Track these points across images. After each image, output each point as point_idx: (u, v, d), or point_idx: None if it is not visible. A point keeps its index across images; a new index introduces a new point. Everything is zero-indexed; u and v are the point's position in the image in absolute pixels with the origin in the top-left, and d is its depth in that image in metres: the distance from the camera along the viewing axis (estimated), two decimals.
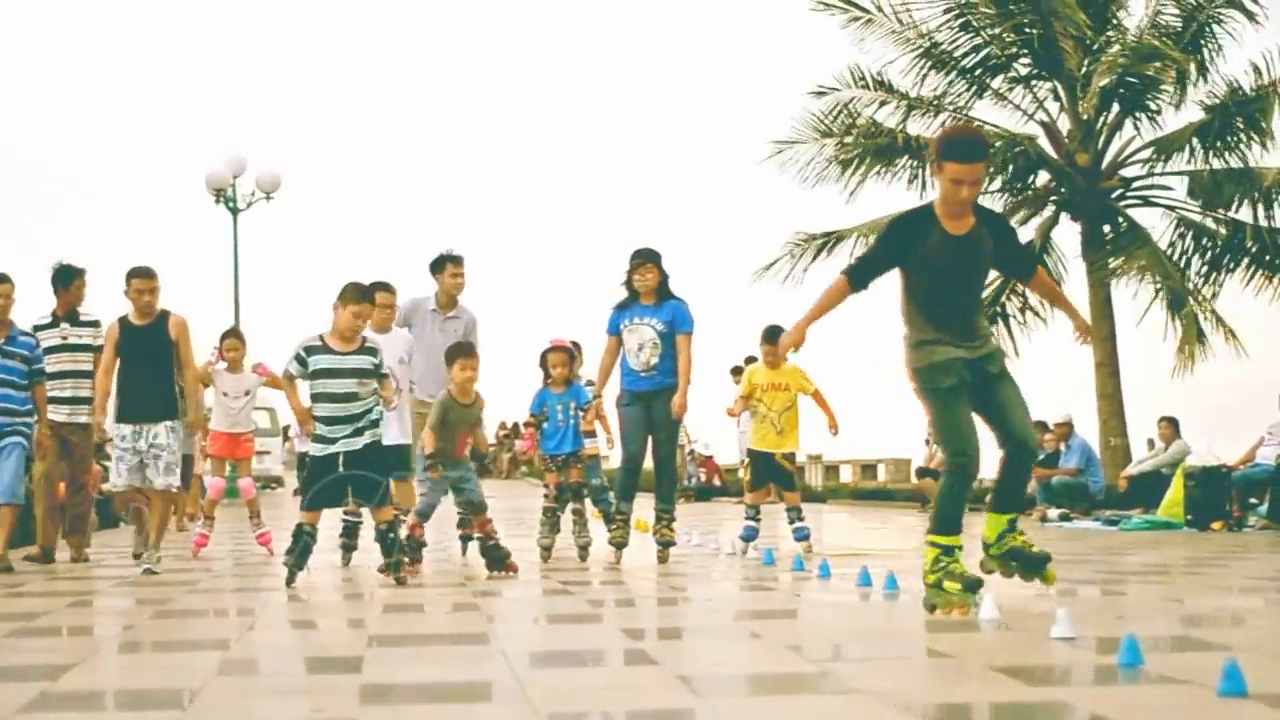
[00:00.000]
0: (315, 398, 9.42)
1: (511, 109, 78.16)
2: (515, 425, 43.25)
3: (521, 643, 6.48)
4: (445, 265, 11.74)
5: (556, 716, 4.64)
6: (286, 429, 48.73)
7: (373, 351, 9.51)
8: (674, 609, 7.87)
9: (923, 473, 22.95)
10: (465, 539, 11.81)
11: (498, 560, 10.07)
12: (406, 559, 9.67)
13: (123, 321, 11.09)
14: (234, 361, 12.85)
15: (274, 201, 30.65)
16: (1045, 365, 27.62)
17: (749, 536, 12.25)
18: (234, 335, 13.18)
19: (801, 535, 12.22)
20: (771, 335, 12.41)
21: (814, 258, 24.36)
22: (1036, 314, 24.48)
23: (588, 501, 11.66)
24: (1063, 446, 20.44)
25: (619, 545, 11.13)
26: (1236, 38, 22.47)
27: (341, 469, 9.32)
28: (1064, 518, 18.60)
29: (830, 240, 24.40)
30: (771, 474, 12.64)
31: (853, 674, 5.42)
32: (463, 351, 10.37)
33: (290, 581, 9.24)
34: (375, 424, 9.49)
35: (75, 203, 73.15)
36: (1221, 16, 22.60)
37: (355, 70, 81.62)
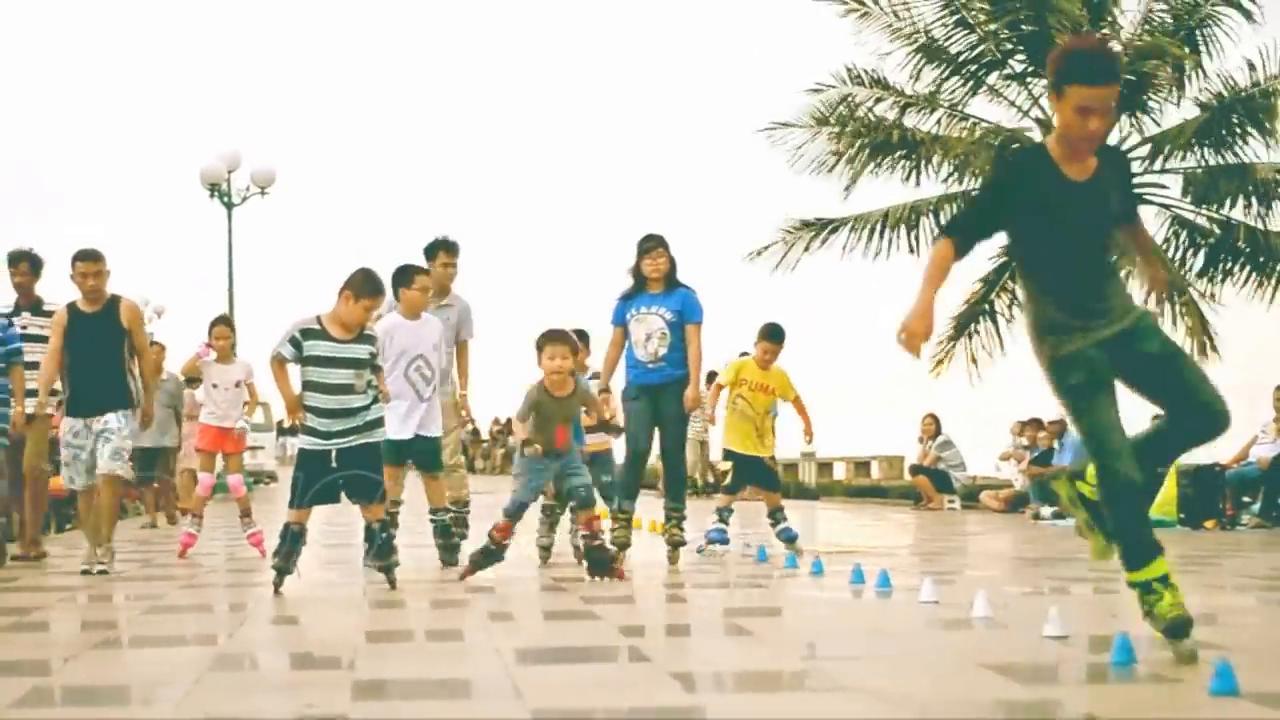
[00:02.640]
0: (308, 386, 8.69)
1: (507, 100, 78.15)
2: (509, 421, 43.13)
3: (514, 639, 6.48)
4: (437, 253, 11.09)
5: (547, 713, 4.64)
6: (281, 423, 48.75)
7: (370, 340, 8.78)
8: (666, 606, 7.87)
9: (916, 470, 22.96)
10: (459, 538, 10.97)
11: (601, 563, 9.17)
12: (473, 566, 9.15)
13: (71, 308, 10.35)
14: (223, 351, 12.18)
15: (268, 196, 30.59)
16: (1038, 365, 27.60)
17: (719, 539, 11.66)
18: (223, 323, 12.54)
19: (789, 536, 11.58)
20: (774, 334, 12.04)
21: (806, 246, 24.33)
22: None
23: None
24: (1056, 444, 20.46)
25: (621, 546, 10.24)
26: (1233, 36, 22.46)
27: (335, 465, 8.63)
28: (1057, 516, 18.59)
29: (823, 229, 24.35)
30: (757, 477, 12.12)
31: (845, 671, 5.42)
32: (553, 337, 9.27)
33: (278, 586, 8.53)
34: (376, 425, 8.82)
35: (70, 198, 73.08)
36: (1219, 15, 22.59)
37: (350, 65, 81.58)
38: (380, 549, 8.83)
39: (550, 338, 9.25)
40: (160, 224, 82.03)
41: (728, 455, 12.52)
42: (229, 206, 30.45)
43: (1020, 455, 22.16)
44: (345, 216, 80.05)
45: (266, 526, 11.92)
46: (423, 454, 10.37)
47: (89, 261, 10.25)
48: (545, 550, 10.71)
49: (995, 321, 24.46)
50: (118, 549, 10.74)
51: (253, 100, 76.34)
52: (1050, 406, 21.31)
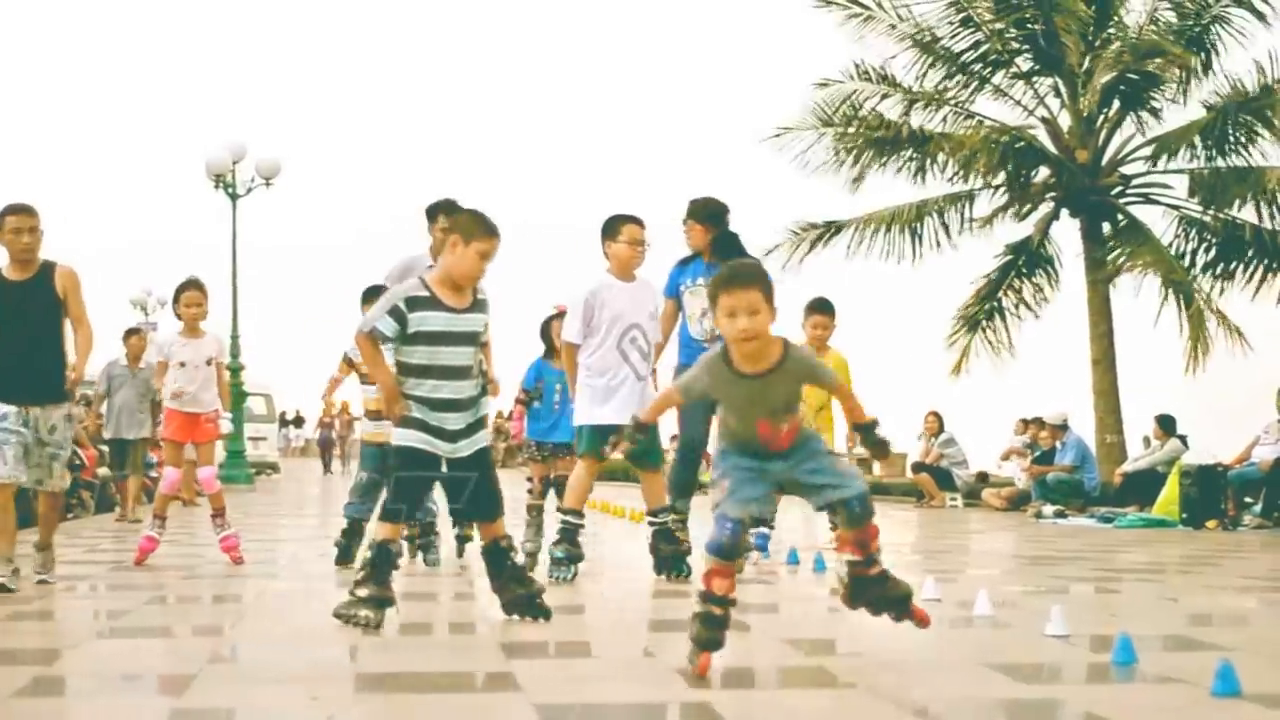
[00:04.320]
0: (412, 371, 6.66)
1: (512, 99, 78.09)
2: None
3: (515, 634, 6.48)
4: (436, 217, 9.56)
5: (548, 707, 4.65)
6: (284, 414, 48.68)
7: (484, 308, 6.87)
8: (666, 601, 7.85)
9: (918, 467, 22.96)
10: (461, 539, 10.22)
11: (892, 601, 5.74)
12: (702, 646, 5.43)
13: None
14: (193, 321, 10.23)
15: (273, 187, 30.57)
16: (1042, 362, 27.66)
17: (764, 545, 10.44)
18: (194, 287, 10.32)
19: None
20: (825, 305, 10.82)
21: (810, 247, 24.34)
22: (1029, 308, 24.49)
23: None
24: (1058, 443, 20.46)
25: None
26: (1242, 38, 22.42)
27: (450, 470, 6.77)
28: (1059, 514, 18.60)
29: (829, 231, 24.37)
30: None
31: (846, 669, 5.42)
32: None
33: (378, 623, 6.47)
34: (483, 422, 7.08)
35: (76, 188, 73.08)
36: (1229, 15, 22.56)
37: (354, 56, 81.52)
38: (515, 574, 6.89)
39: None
40: (165, 214, 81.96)
41: None
42: (234, 197, 30.42)
43: (1023, 454, 22.18)
44: (348, 208, 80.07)
45: (266, 527, 11.34)
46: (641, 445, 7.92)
47: (22, 215, 8.38)
48: (531, 558, 9.44)
49: (1004, 319, 24.47)
50: (111, 543, 10.56)
51: (258, 91, 76.38)
52: (1052, 405, 21.40)
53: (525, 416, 10.05)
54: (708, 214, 9.48)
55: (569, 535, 8.69)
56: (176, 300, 10.31)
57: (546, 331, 9.72)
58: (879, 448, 5.60)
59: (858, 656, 5.81)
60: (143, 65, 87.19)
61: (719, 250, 9.27)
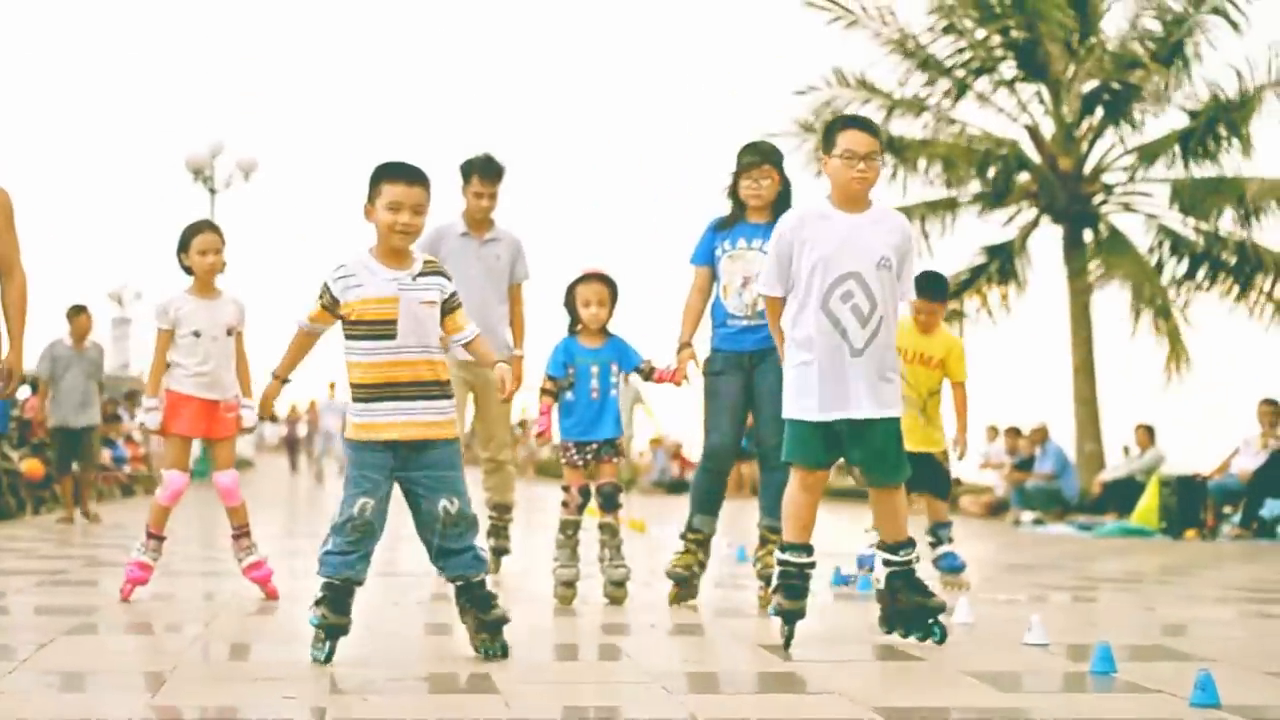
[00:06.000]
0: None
1: (498, 90, 78.09)
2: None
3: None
4: (470, 177, 8.87)
5: (527, 710, 4.62)
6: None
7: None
8: (648, 605, 7.82)
9: None
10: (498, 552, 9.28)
11: None
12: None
13: None
14: (209, 274, 7.72)
15: (251, 183, 30.56)
16: (1022, 369, 27.71)
17: (952, 566, 9.14)
18: (210, 229, 7.87)
19: (952, 565, 9.13)
20: (936, 285, 9.27)
21: None
22: (990, 314, 24.46)
23: (625, 512, 8.10)
24: (1037, 451, 20.51)
25: (677, 579, 7.75)
26: (1215, 45, 22.53)
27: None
28: (1037, 522, 18.63)
29: None
30: (923, 479, 8.72)
31: (824, 675, 5.40)
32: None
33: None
34: None
35: (52, 181, 72.87)
36: (1205, 24, 22.64)
37: (335, 50, 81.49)
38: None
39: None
40: (141, 208, 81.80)
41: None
42: (212, 192, 30.38)
43: (1001, 461, 22.22)
44: (325, 202, 79.98)
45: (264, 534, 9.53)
46: (874, 448, 6.14)
47: None
48: (567, 587, 7.75)
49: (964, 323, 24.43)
50: (29, 548, 10.10)
51: (236, 87, 76.24)
52: (1032, 413, 21.43)
53: (555, 411, 7.73)
54: (781, 159, 7.68)
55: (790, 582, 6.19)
56: (185, 248, 7.71)
57: (572, 299, 7.70)
58: None
59: (836, 662, 5.79)
60: (120, 58, 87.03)
61: (782, 206, 7.40)
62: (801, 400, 6.10)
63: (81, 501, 15.12)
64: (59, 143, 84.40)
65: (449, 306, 5.68)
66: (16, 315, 6.08)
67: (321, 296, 5.63)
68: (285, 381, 5.92)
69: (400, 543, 10.70)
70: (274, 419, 6.64)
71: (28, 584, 8.65)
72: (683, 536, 7.74)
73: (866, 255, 6.04)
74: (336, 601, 5.54)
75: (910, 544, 6.22)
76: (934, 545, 9.13)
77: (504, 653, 5.66)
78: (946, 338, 9.39)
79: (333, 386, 32.89)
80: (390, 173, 5.60)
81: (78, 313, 15.02)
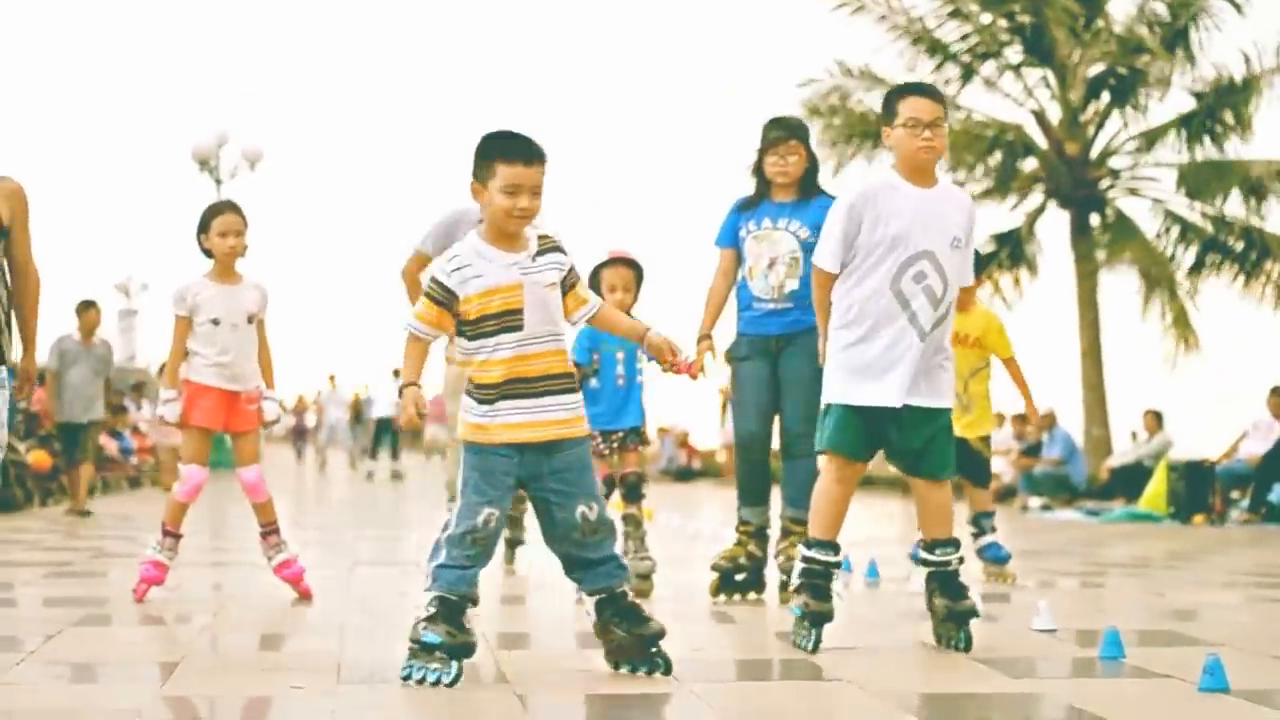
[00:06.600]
0: None
1: (499, 80, 78.03)
2: None
3: (499, 624, 6.45)
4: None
5: (531, 697, 4.62)
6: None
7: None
8: (654, 593, 7.80)
9: None
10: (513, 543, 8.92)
11: None
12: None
13: None
14: (229, 258, 7.29)
15: (257, 173, 30.57)
16: (1029, 355, 27.63)
17: (997, 556, 8.81)
18: (232, 210, 7.40)
19: (997, 555, 8.78)
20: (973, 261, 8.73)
21: None
22: (1005, 301, 24.44)
23: (646, 503, 7.71)
24: (1045, 436, 20.46)
25: (721, 571, 7.46)
26: (1222, 28, 22.48)
27: None
28: (1045, 508, 18.61)
29: None
30: (961, 466, 7.69)
31: (833, 662, 5.39)
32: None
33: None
34: None
35: (59, 173, 72.88)
36: (1211, 7, 22.58)
37: (340, 40, 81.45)
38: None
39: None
40: (147, 199, 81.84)
41: None
42: (218, 182, 30.39)
43: (1009, 447, 22.18)
44: (330, 193, 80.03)
45: (251, 514, 9.33)
46: (925, 439, 5.78)
47: None
48: (644, 580, 7.36)
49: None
50: (36, 539, 10.15)
51: (242, 77, 76.29)
52: (1039, 399, 21.35)
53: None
54: (808, 134, 7.39)
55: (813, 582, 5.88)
56: (205, 229, 7.27)
57: (596, 281, 7.35)
58: None
59: (844, 649, 5.77)
60: (125, 50, 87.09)
61: (808, 185, 7.26)
62: (850, 384, 5.65)
63: (74, 495, 14.95)
64: (65, 134, 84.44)
65: (568, 283, 5.03)
66: (30, 316, 5.91)
67: (432, 293, 4.92)
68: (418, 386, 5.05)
69: (403, 530, 10.70)
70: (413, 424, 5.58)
71: (35, 575, 8.66)
72: (737, 529, 7.44)
73: (941, 234, 5.62)
74: (454, 619, 4.91)
75: (952, 544, 5.80)
76: (976, 536, 8.80)
77: (667, 668, 5.03)
78: (984, 314, 9.12)
79: (333, 379, 33.12)
80: (507, 151, 4.92)
81: (87, 308, 14.86)
